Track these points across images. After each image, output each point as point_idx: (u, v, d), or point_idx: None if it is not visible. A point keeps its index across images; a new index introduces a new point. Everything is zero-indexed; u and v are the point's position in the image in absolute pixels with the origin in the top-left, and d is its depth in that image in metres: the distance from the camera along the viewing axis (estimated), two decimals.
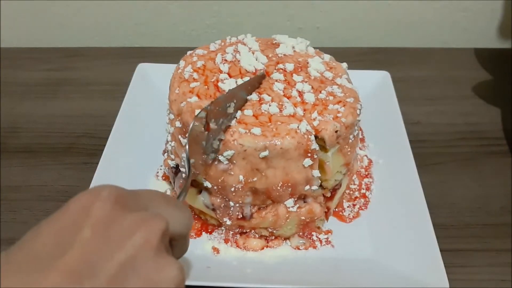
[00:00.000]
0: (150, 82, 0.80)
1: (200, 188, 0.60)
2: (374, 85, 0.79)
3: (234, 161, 0.54)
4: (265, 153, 0.53)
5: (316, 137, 0.55)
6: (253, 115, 0.55)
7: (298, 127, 0.54)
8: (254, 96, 0.58)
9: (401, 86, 0.80)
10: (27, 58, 0.97)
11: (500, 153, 0.76)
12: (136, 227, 0.33)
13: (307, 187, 0.57)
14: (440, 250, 0.61)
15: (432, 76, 0.92)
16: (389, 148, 0.71)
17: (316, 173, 0.56)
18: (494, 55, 0.98)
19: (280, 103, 0.57)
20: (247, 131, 0.53)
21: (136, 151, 0.71)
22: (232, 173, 0.54)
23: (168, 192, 0.67)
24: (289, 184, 0.56)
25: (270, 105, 0.56)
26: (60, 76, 0.92)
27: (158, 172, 0.69)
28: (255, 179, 0.55)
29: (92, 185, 0.63)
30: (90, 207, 0.33)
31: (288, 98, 0.59)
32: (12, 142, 0.78)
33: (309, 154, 0.54)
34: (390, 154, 0.70)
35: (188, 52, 0.66)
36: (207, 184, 0.57)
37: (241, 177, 0.54)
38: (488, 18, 1.00)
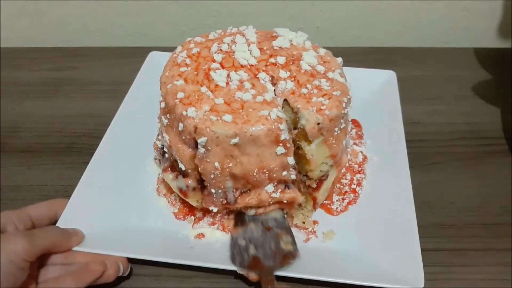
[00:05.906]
0: (160, 70, 0.81)
1: (177, 172, 0.61)
2: (379, 84, 0.79)
3: (209, 148, 0.54)
4: (236, 140, 0.53)
5: (296, 128, 0.56)
6: (225, 103, 0.55)
7: (268, 113, 0.54)
8: (233, 85, 0.58)
9: (401, 86, 0.80)
10: (27, 58, 0.97)
11: (500, 153, 0.76)
12: None
13: (285, 172, 0.57)
14: (440, 250, 0.61)
15: (432, 76, 0.92)
16: (386, 146, 0.71)
17: (291, 160, 0.56)
18: (494, 55, 0.98)
19: (260, 91, 0.57)
20: (219, 118, 0.53)
21: (138, 136, 0.72)
22: (208, 160, 0.55)
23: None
24: (265, 170, 0.56)
25: (244, 92, 0.56)
26: (60, 76, 0.92)
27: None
28: (230, 165, 0.55)
29: (90, 165, 0.66)
30: None
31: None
32: (12, 142, 0.78)
33: (280, 144, 0.54)
34: (385, 152, 0.71)
35: (188, 39, 0.67)
36: (182, 166, 0.58)
37: (216, 164, 0.55)
38: (488, 18, 1.00)
